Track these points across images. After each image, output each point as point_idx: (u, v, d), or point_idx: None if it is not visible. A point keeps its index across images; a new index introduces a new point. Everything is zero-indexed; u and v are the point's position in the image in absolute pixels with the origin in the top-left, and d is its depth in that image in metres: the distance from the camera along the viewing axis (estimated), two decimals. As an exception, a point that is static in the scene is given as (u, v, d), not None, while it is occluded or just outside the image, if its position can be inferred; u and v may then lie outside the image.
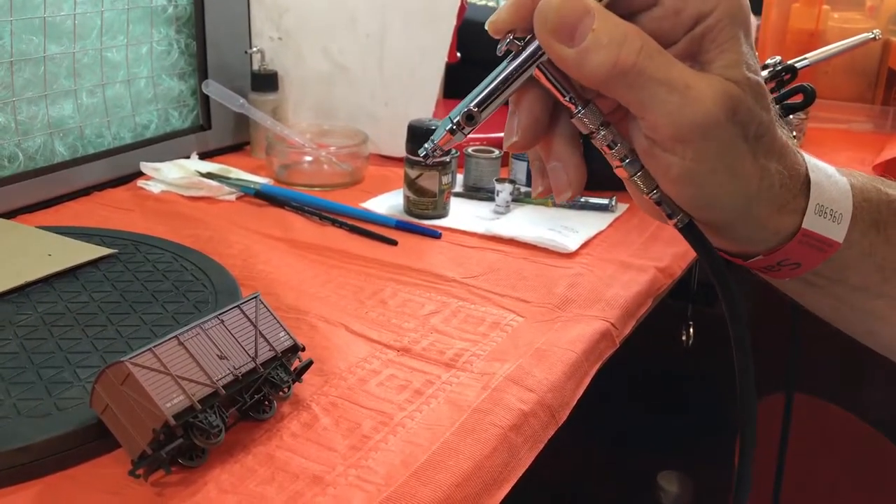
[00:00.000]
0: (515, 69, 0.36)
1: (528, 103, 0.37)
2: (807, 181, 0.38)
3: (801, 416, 1.19)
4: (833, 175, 0.39)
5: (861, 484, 1.29)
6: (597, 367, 0.65)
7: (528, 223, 0.89)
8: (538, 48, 0.35)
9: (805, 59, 1.01)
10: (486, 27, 0.36)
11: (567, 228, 0.87)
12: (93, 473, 0.49)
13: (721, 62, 0.34)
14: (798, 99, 0.93)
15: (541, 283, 0.76)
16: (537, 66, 0.36)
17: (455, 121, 0.37)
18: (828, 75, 1.40)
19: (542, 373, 0.61)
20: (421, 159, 0.40)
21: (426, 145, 0.38)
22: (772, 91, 0.99)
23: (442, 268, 0.79)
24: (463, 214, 0.94)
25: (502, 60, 0.37)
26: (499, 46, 0.36)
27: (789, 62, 1.00)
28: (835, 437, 1.31)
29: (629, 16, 0.34)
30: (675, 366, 1.25)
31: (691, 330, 1.16)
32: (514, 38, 0.36)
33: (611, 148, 0.36)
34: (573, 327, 0.68)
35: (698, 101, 0.33)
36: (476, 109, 0.36)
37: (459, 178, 1.03)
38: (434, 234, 0.88)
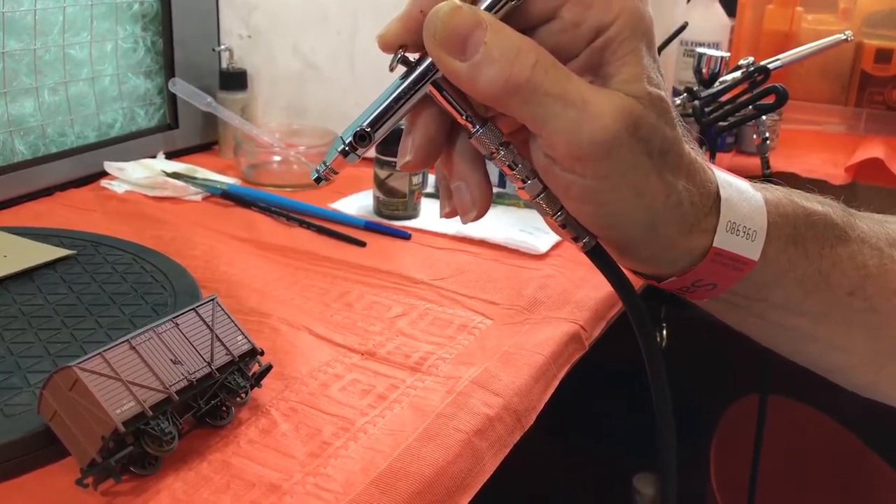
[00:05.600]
0: (409, 86, 0.34)
1: (424, 122, 0.35)
2: (717, 199, 0.36)
3: (776, 417, 1.19)
4: (746, 191, 0.37)
5: (834, 484, 1.29)
6: (565, 370, 0.64)
7: (498, 224, 0.88)
8: (432, 64, 0.33)
9: (777, 60, 1.01)
10: (376, 41, 0.34)
11: (538, 229, 0.86)
12: (41, 483, 0.47)
13: (621, 76, 0.33)
14: (770, 100, 0.93)
15: (510, 284, 0.75)
16: (431, 83, 0.34)
17: (347, 141, 0.34)
18: (801, 77, 1.40)
19: (509, 376, 0.60)
20: (318, 184, 0.37)
21: (318, 167, 0.36)
22: (744, 92, 0.99)
23: (410, 269, 0.78)
24: (434, 215, 0.92)
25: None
26: (390, 62, 0.34)
27: (762, 63, 1.00)
28: (809, 439, 1.31)
29: (527, 29, 0.33)
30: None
31: (664, 332, 1.15)
32: (406, 53, 0.34)
33: (511, 169, 0.35)
34: (542, 330, 0.67)
35: (596, 116, 0.32)
36: (369, 129, 0.34)
37: (431, 178, 1.02)
38: (403, 235, 0.86)
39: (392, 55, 0.34)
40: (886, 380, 0.42)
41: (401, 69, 0.34)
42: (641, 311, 0.36)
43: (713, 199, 0.36)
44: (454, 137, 0.36)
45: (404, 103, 0.34)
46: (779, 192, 0.39)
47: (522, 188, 0.35)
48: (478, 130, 0.34)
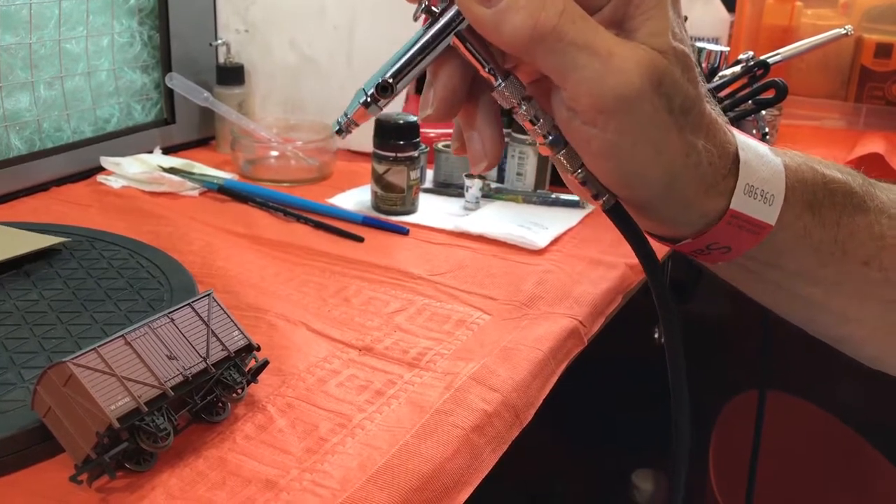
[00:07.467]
0: (432, 38, 0.34)
1: (446, 75, 0.35)
2: (736, 160, 0.36)
3: (775, 412, 1.19)
4: (765, 155, 0.37)
5: (833, 479, 1.29)
6: (564, 365, 0.64)
7: (497, 219, 0.88)
8: (456, 15, 0.33)
9: (777, 54, 1.01)
10: None
11: (537, 225, 0.86)
12: (35, 479, 0.47)
13: (646, 30, 0.33)
14: (770, 94, 0.92)
15: (509, 280, 0.75)
16: (455, 35, 0.34)
17: (369, 93, 0.34)
18: (801, 72, 1.40)
19: (507, 372, 0.59)
20: (339, 135, 0.37)
21: (339, 119, 0.36)
22: (744, 87, 0.98)
23: (409, 265, 0.77)
24: (432, 210, 0.92)
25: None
26: (414, 12, 0.34)
27: (762, 57, 0.99)
28: (808, 434, 1.31)
29: None
30: (648, 363, 1.24)
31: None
32: (430, 4, 0.34)
33: (533, 123, 0.35)
34: (540, 325, 0.66)
35: (621, 70, 0.31)
36: (391, 80, 0.34)
37: (430, 173, 1.01)
38: (402, 231, 0.86)
39: (416, 5, 0.34)
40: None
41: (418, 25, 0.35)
42: (659, 272, 0.36)
43: (732, 161, 0.36)
44: (475, 91, 0.36)
45: (427, 54, 0.34)
46: (799, 158, 0.38)
47: (544, 143, 0.35)
48: (500, 84, 0.34)
